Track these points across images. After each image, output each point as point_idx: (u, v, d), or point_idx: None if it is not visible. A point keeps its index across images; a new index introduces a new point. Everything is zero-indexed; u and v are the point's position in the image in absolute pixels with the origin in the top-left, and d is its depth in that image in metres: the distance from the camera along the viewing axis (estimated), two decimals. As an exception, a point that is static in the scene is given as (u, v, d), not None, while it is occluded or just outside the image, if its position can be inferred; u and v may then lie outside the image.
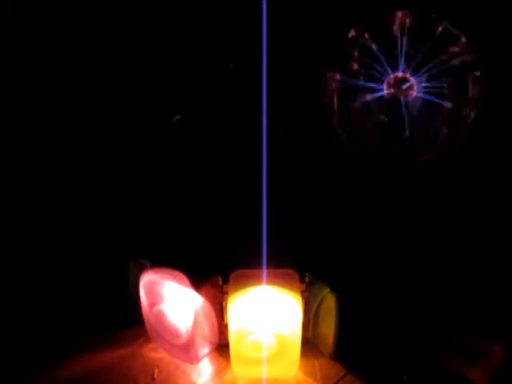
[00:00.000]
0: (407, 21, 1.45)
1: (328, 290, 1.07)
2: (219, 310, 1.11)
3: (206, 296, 1.07)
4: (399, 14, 1.45)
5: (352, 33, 1.48)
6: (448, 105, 1.46)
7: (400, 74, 1.49)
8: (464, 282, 1.32)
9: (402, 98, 1.50)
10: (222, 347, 1.16)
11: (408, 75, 1.49)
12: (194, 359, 1.12)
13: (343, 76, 1.51)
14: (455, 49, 1.44)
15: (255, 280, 1.06)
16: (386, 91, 1.51)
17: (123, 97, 1.68)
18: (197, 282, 1.06)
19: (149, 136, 1.68)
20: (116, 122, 1.68)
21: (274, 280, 1.05)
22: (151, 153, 1.67)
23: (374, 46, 1.47)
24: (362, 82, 1.50)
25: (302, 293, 1.08)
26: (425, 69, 1.47)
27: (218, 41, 1.66)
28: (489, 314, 1.24)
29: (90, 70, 1.65)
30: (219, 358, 1.17)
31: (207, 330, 1.12)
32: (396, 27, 1.45)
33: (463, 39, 1.44)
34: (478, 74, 1.44)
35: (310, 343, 1.15)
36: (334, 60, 1.51)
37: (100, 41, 1.62)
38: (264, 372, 1.11)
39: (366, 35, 1.47)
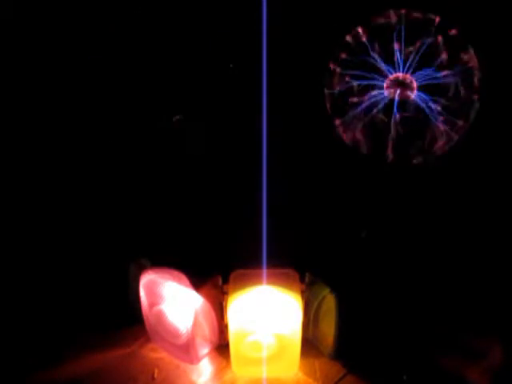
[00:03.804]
0: (406, 20, 1.45)
1: (328, 290, 1.07)
2: (219, 310, 1.11)
3: (206, 296, 1.07)
4: (399, 13, 1.45)
5: (352, 33, 1.48)
6: (447, 105, 1.46)
7: (400, 75, 1.49)
8: (463, 281, 1.32)
9: (402, 98, 1.50)
10: (222, 347, 1.16)
11: (408, 75, 1.49)
12: (193, 359, 1.12)
13: (343, 76, 1.51)
14: (455, 48, 1.45)
15: (255, 280, 1.06)
16: (386, 92, 1.51)
17: (123, 97, 1.68)
18: (197, 282, 1.06)
19: (148, 136, 1.68)
20: (115, 122, 1.68)
21: (274, 280, 1.05)
22: (151, 153, 1.67)
23: (373, 46, 1.47)
24: (362, 83, 1.50)
25: (302, 293, 1.08)
26: (425, 68, 1.47)
27: (218, 40, 1.66)
28: (488, 314, 1.24)
29: (89, 69, 1.65)
30: (219, 358, 1.17)
31: (207, 330, 1.12)
32: (396, 26, 1.45)
33: (463, 39, 1.44)
34: (477, 72, 1.44)
35: (309, 343, 1.15)
36: (334, 60, 1.51)
37: (100, 41, 1.62)
38: (264, 372, 1.11)
39: (366, 35, 1.47)
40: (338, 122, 1.51)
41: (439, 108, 1.47)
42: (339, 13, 1.57)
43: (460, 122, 1.47)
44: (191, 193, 1.59)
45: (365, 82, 1.49)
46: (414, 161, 1.51)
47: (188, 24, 1.63)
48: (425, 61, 1.46)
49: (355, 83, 1.49)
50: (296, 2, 1.58)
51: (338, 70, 1.49)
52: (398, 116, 1.49)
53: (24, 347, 1.21)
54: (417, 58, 1.46)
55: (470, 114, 1.46)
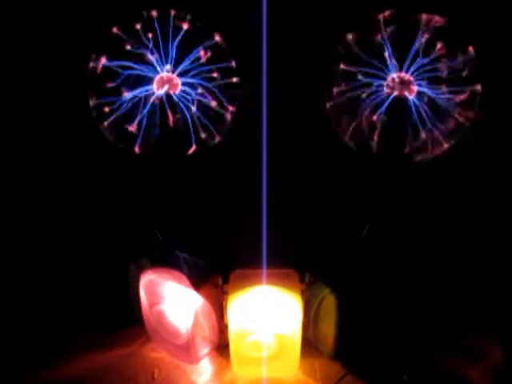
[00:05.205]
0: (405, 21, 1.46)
1: (328, 290, 1.07)
2: (219, 310, 1.11)
3: (206, 296, 1.07)
4: (398, 14, 1.46)
5: (352, 35, 1.49)
6: (446, 104, 1.47)
7: (400, 75, 1.49)
8: (464, 281, 1.32)
9: (402, 97, 1.50)
10: (222, 347, 1.16)
11: (408, 75, 1.49)
12: (193, 359, 1.12)
13: (344, 77, 1.51)
14: (451, 47, 1.46)
15: (255, 280, 1.06)
16: (386, 92, 1.51)
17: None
18: (197, 282, 1.06)
19: (148, 136, 1.68)
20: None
21: (274, 280, 1.05)
22: (150, 152, 1.67)
23: (373, 48, 1.48)
24: (362, 84, 1.51)
25: (302, 293, 1.08)
26: (424, 68, 1.47)
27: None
28: (488, 314, 1.24)
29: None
30: (219, 358, 1.17)
31: (207, 330, 1.12)
32: (395, 27, 1.46)
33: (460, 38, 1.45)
34: (476, 69, 1.45)
35: (309, 343, 1.15)
36: (334, 62, 1.51)
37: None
38: (264, 372, 1.11)
39: (366, 36, 1.48)
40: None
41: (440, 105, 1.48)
42: (339, 14, 1.57)
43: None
44: (191, 193, 1.59)
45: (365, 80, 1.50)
46: (414, 159, 1.52)
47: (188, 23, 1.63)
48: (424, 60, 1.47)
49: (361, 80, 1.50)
50: (296, 3, 1.58)
51: (343, 67, 1.50)
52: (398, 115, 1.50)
53: (24, 347, 1.21)
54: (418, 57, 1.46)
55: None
